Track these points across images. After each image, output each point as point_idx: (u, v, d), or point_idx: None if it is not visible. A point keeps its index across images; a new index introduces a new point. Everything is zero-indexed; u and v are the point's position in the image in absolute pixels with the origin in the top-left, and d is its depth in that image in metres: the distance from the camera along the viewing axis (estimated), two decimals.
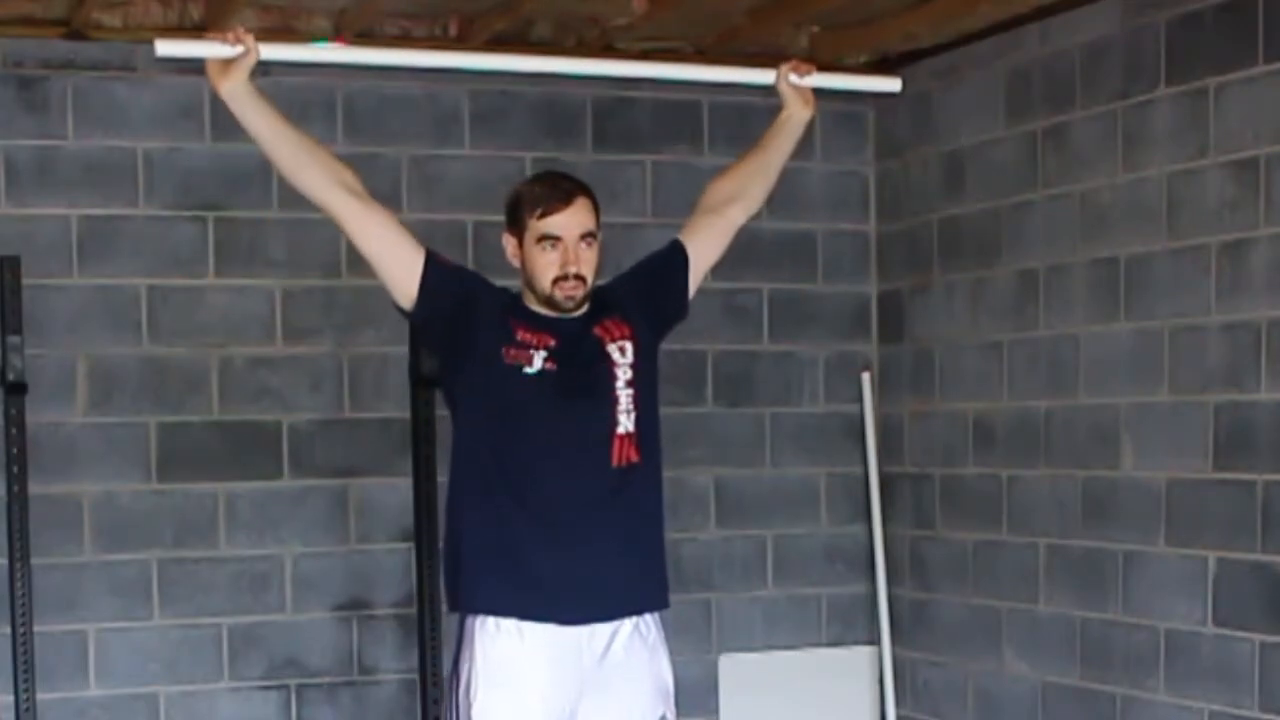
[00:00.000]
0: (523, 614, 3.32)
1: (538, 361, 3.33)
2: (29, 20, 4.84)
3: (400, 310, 3.43)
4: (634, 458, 3.38)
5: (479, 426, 3.37)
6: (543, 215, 3.34)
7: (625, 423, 3.38)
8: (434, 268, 3.38)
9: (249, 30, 3.24)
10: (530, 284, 3.39)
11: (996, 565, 5.27)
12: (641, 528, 3.45)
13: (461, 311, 3.38)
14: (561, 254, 3.33)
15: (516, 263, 3.41)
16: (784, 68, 3.68)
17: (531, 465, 3.33)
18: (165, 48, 3.24)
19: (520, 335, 3.35)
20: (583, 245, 3.35)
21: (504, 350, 3.34)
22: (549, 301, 3.36)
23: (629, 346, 3.42)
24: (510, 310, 3.41)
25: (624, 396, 3.39)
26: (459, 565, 3.40)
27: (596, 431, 3.36)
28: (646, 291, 3.56)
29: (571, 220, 3.34)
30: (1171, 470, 4.58)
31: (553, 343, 3.36)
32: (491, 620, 3.33)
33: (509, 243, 3.43)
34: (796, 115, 3.71)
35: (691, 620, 5.52)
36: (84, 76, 4.93)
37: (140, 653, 4.99)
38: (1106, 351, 4.80)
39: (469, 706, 3.33)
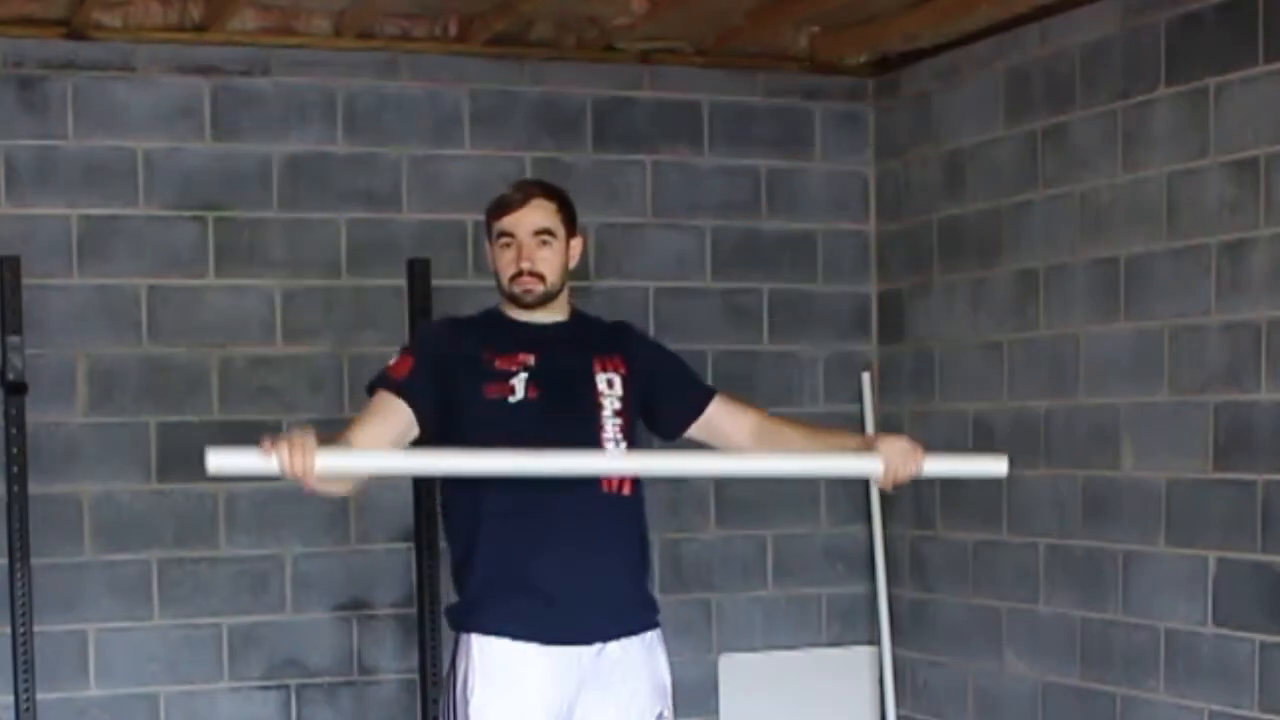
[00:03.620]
0: (514, 635, 3.34)
1: (519, 390, 3.34)
2: (29, 20, 4.84)
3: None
4: (625, 490, 3.39)
5: None
6: (499, 216, 3.43)
7: (614, 451, 3.39)
8: (408, 392, 3.33)
9: (303, 434, 3.01)
10: (498, 285, 3.44)
11: (996, 565, 5.27)
12: (630, 553, 3.44)
13: (441, 384, 3.36)
14: (516, 251, 3.39)
15: (492, 269, 3.46)
16: (894, 460, 3.28)
17: (520, 494, 3.30)
18: (216, 459, 2.94)
19: (498, 365, 3.36)
20: (538, 243, 3.38)
21: (484, 388, 3.35)
22: (512, 298, 3.42)
23: (618, 382, 3.43)
24: (482, 339, 3.41)
25: (610, 425, 3.40)
26: (462, 584, 3.44)
27: None
28: (659, 382, 3.52)
29: (524, 219, 3.40)
30: (1171, 470, 4.58)
31: (532, 360, 3.37)
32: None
33: (487, 251, 3.49)
34: (871, 474, 3.36)
35: (691, 620, 5.52)
36: (84, 76, 4.93)
37: (140, 653, 4.98)
38: (1106, 351, 4.80)
39: (465, 704, 3.34)
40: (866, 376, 5.80)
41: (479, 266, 5.25)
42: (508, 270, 3.40)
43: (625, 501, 3.40)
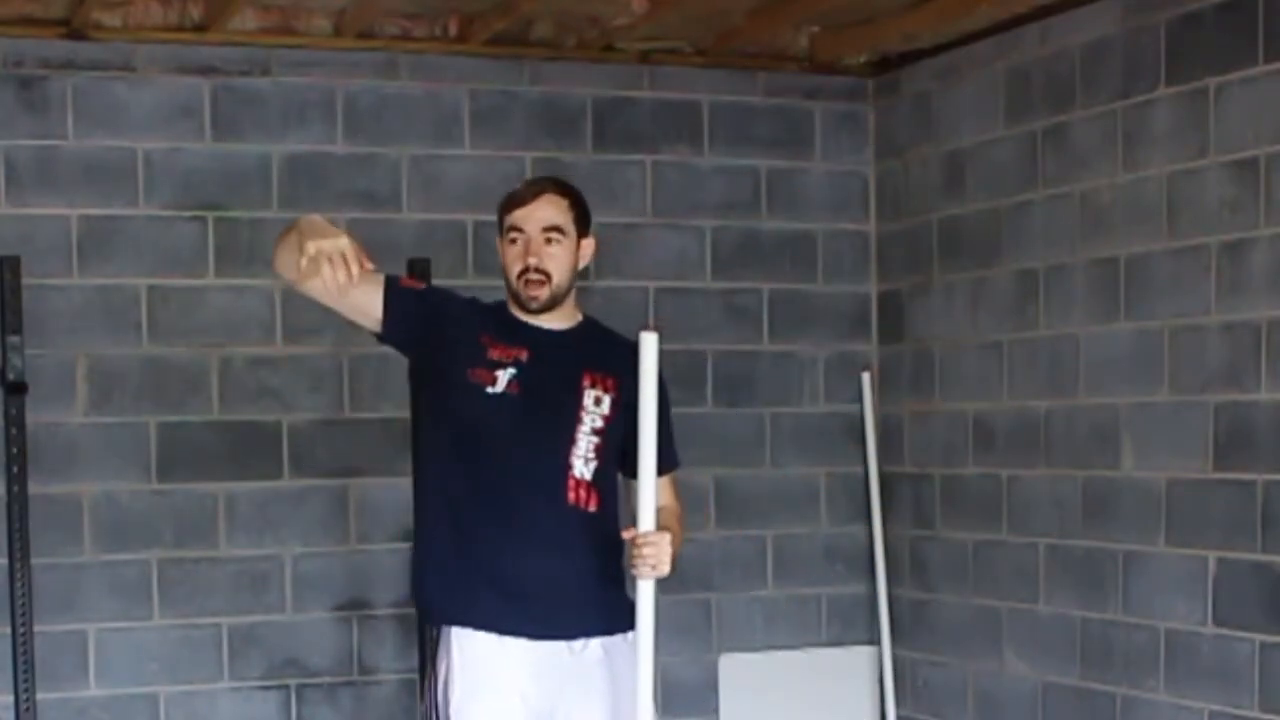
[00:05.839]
0: (499, 630, 3.34)
1: (501, 383, 3.34)
2: (29, 20, 4.84)
3: (374, 335, 3.43)
4: (591, 507, 3.37)
5: (440, 442, 3.40)
6: (509, 210, 3.41)
7: (582, 469, 3.37)
8: (395, 293, 3.38)
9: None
10: (506, 283, 3.43)
11: (996, 565, 5.27)
12: (599, 561, 3.40)
13: (428, 333, 3.38)
14: (523, 247, 3.37)
15: (502, 265, 3.45)
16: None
17: (487, 484, 3.31)
18: None
19: (491, 353, 3.36)
20: (545, 240, 3.37)
21: (469, 370, 3.35)
22: (517, 300, 3.40)
23: (607, 401, 3.41)
24: (485, 325, 3.41)
25: (585, 441, 3.38)
26: (424, 575, 3.42)
27: (549, 464, 3.36)
28: (633, 423, 3.43)
29: (534, 214, 3.38)
30: (1171, 470, 4.58)
31: (524, 356, 3.36)
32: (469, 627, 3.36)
33: (498, 247, 3.47)
34: None
35: (691, 620, 5.51)
36: (84, 76, 4.93)
37: (140, 653, 4.98)
38: (1106, 351, 4.80)
39: (446, 704, 3.33)
40: (866, 376, 5.80)
41: (479, 266, 5.25)
42: (514, 266, 3.38)
43: (591, 516, 3.39)
